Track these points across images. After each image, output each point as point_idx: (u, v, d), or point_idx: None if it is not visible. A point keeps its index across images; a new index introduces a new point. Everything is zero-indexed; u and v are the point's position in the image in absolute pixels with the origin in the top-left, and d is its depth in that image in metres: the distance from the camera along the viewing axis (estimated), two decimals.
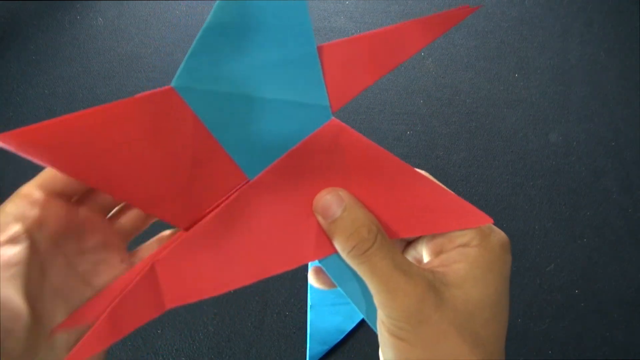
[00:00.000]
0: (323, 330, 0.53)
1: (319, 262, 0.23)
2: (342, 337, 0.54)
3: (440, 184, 0.22)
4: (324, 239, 0.22)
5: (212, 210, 0.22)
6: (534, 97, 0.64)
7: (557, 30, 0.66)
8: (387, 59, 0.21)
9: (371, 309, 0.23)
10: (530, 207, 0.60)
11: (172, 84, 0.20)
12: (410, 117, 0.63)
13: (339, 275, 0.23)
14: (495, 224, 0.22)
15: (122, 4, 0.67)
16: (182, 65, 0.20)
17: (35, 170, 0.21)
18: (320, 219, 0.22)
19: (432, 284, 0.20)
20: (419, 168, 0.24)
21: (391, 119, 0.62)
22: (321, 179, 0.22)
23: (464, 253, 0.21)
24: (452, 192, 0.22)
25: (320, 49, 0.21)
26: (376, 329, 0.23)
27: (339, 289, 0.23)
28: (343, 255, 0.21)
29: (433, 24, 0.21)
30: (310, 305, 0.52)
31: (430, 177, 0.23)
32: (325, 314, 0.52)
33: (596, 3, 0.68)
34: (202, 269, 0.21)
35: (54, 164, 0.18)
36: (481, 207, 0.22)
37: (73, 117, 0.18)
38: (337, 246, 0.21)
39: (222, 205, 0.21)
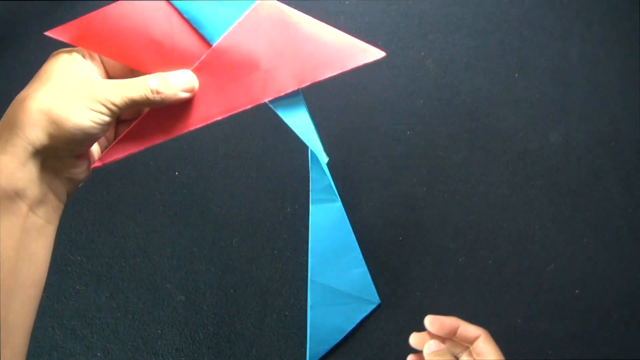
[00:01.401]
0: (323, 330, 0.53)
1: (269, 103, 0.35)
2: (342, 337, 0.54)
3: (345, 33, 0.34)
4: (270, 85, 0.34)
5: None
6: (534, 97, 0.64)
7: (557, 30, 0.66)
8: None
9: (312, 137, 0.37)
10: (530, 207, 0.60)
11: None
12: (410, 117, 0.63)
13: (286, 111, 0.36)
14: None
15: None
16: None
17: None
18: None
19: None
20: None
21: (391, 119, 0.62)
22: (258, 36, 0.33)
23: (482, 347, 0.36)
24: (355, 38, 0.34)
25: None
26: (315, 149, 0.37)
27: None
28: None
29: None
30: (310, 305, 0.52)
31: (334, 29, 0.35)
32: (325, 314, 0.52)
33: (596, 3, 0.68)
34: (190, 104, 0.33)
35: (82, 45, 0.32)
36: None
37: (94, 15, 0.31)
38: None
39: (198, 63, 0.33)
